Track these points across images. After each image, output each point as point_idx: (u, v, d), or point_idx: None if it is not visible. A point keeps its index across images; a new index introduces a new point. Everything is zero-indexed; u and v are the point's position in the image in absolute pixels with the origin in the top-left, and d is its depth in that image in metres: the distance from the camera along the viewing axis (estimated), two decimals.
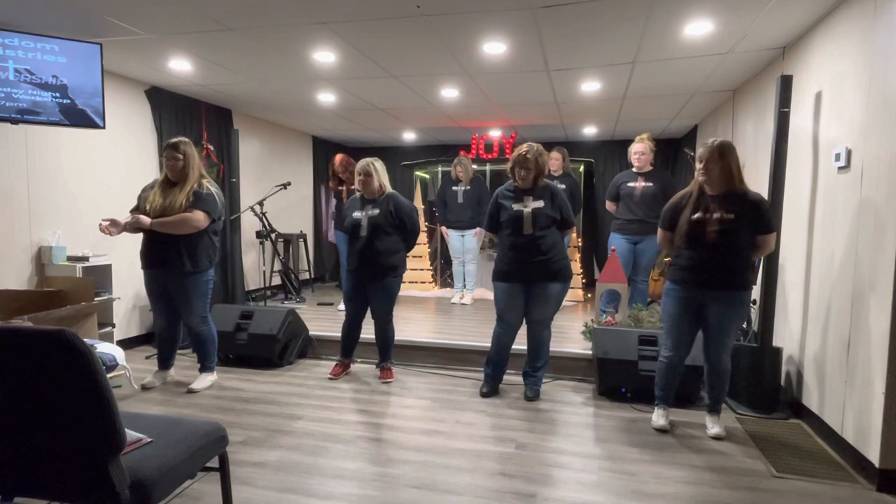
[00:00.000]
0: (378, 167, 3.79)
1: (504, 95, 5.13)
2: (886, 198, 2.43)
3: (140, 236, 3.53)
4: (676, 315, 2.93)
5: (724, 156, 2.74)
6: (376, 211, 3.72)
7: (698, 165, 2.81)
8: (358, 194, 3.87)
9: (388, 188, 3.84)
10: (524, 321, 3.52)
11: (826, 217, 3.01)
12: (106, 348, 2.96)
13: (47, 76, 3.44)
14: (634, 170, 4.83)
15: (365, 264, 3.74)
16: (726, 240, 2.74)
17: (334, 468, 2.58)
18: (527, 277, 3.40)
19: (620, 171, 5.25)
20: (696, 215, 2.79)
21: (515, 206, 3.41)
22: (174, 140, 3.45)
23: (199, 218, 3.41)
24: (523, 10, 3.11)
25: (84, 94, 3.59)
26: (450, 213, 6.03)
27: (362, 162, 3.79)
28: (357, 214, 3.76)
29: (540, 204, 3.38)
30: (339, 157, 5.85)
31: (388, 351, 3.96)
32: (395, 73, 4.43)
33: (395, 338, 4.03)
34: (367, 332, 4.00)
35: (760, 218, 2.76)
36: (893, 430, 2.38)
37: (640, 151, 4.75)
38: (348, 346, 4.03)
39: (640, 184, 4.76)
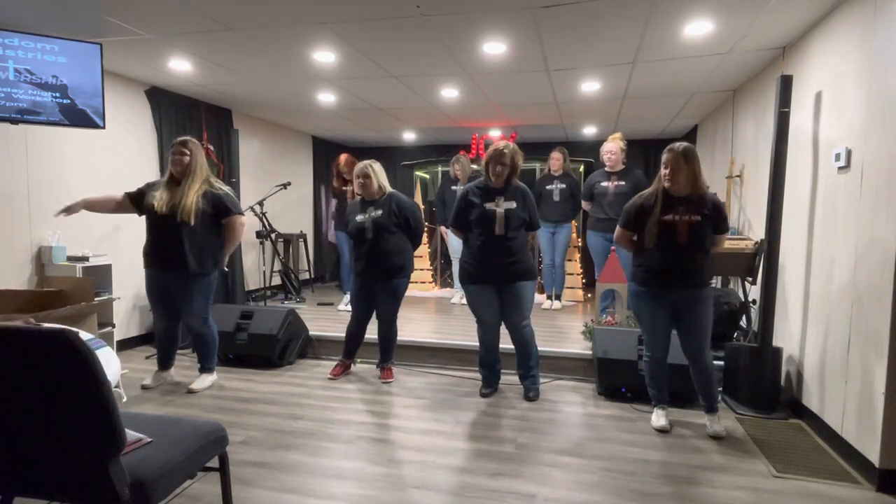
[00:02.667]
0: (376, 168, 3.79)
1: (504, 95, 5.13)
2: (886, 198, 2.43)
3: (141, 236, 3.53)
4: (651, 315, 3.00)
5: (689, 160, 2.82)
6: (379, 212, 3.71)
7: (664, 171, 2.86)
8: (358, 198, 3.86)
9: (388, 188, 3.84)
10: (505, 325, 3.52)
11: (826, 217, 3.01)
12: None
13: (47, 76, 3.44)
14: (607, 169, 4.92)
15: (372, 266, 3.74)
16: (695, 240, 2.83)
17: (334, 468, 2.58)
18: (496, 279, 3.38)
19: None
20: (667, 217, 2.85)
21: (487, 206, 3.37)
22: (183, 138, 3.48)
23: (241, 221, 3.57)
24: (523, 10, 3.11)
25: (84, 94, 3.59)
26: (449, 212, 6.02)
27: (360, 165, 3.79)
28: (360, 218, 3.74)
29: (512, 205, 3.36)
30: (343, 157, 5.83)
31: (389, 351, 3.96)
32: (395, 73, 4.43)
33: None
34: (369, 332, 4.00)
35: (720, 218, 2.90)
36: (893, 430, 2.38)
37: (610, 151, 4.83)
38: (352, 347, 4.03)
39: (612, 183, 4.87)
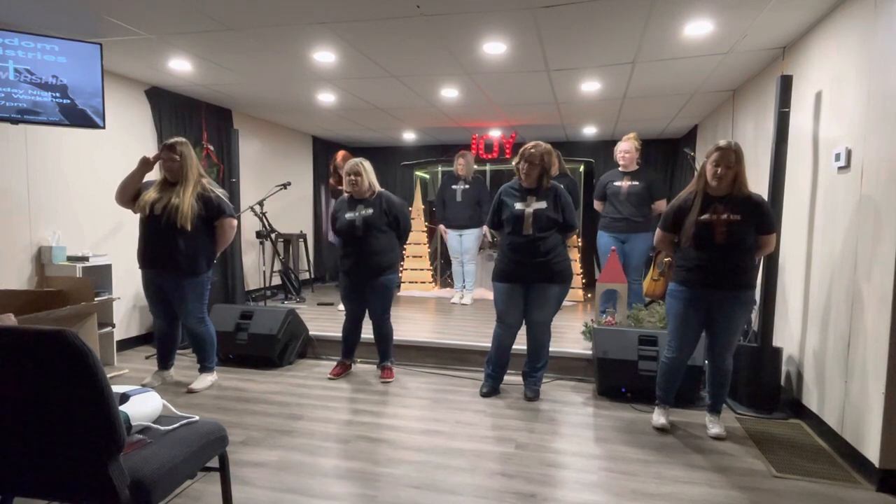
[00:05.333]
0: (367, 167, 3.79)
1: (504, 95, 5.13)
2: (886, 198, 2.43)
3: (136, 235, 3.53)
4: (684, 316, 2.92)
5: (740, 158, 2.77)
6: (370, 210, 3.71)
7: (714, 168, 2.77)
8: (346, 195, 3.84)
9: (378, 187, 3.83)
10: (524, 322, 3.52)
11: (826, 217, 3.01)
12: (139, 404, 1.83)
13: (47, 76, 3.44)
14: (620, 169, 4.88)
15: (361, 265, 3.73)
16: (734, 240, 2.76)
17: (334, 468, 2.58)
18: (526, 278, 3.38)
19: None
20: (704, 217, 2.80)
21: (518, 206, 3.39)
22: (171, 141, 3.45)
23: (232, 224, 3.56)
24: (523, 10, 3.11)
25: (84, 94, 3.59)
26: (448, 211, 6.02)
27: (351, 162, 3.78)
28: (350, 215, 3.73)
29: (542, 205, 3.36)
30: (341, 154, 5.82)
31: (387, 350, 3.96)
32: (395, 73, 4.43)
33: (396, 338, 4.03)
34: (367, 332, 4.00)
35: (764, 219, 2.80)
36: (893, 430, 2.38)
37: (625, 150, 4.79)
38: (349, 347, 4.03)
39: (626, 183, 4.82)
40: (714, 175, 2.77)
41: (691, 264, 2.86)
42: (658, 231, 3.06)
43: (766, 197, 3.34)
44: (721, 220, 2.76)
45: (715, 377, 2.98)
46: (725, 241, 2.76)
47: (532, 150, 3.35)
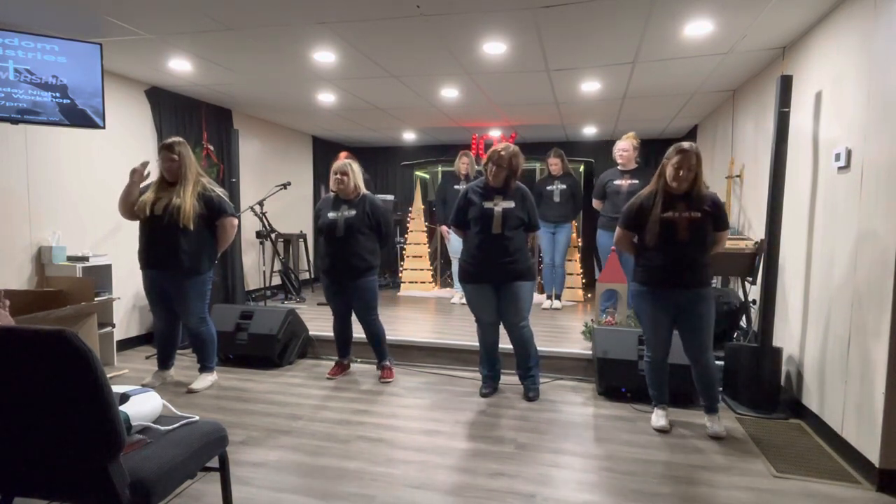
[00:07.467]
0: (355, 168, 3.79)
1: (504, 95, 5.13)
2: (886, 198, 2.43)
3: (136, 235, 3.53)
4: (653, 315, 2.99)
5: (700, 161, 2.87)
6: (353, 212, 3.70)
7: (674, 171, 2.84)
8: (331, 194, 3.84)
9: (363, 189, 3.83)
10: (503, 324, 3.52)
11: (826, 217, 3.01)
12: (138, 404, 1.82)
13: (47, 76, 3.44)
14: (619, 167, 4.92)
15: (339, 266, 3.72)
16: (696, 237, 2.85)
17: (334, 468, 2.58)
18: (494, 278, 3.40)
19: None
20: (667, 214, 2.87)
21: (486, 204, 3.40)
22: (169, 141, 3.46)
23: (233, 223, 3.58)
24: (523, 10, 3.11)
25: (84, 94, 3.59)
26: (450, 211, 6.00)
27: (339, 162, 3.78)
28: (332, 215, 3.73)
29: (511, 204, 3.38)
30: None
31: (382, 350, 3.96)
32: (395, 73, 4.43)
33: (395, 338, 4.03)
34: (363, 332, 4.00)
35: (720, 216, 2.92)
36: (893, 430, 2.38)
37: (623, 149, 4.84)
38: (342, 345, 4.03)
39: (626, 181, 4.86)
40: (675, 177, 2.85)
41: (653, 263, 2.92)
42: (618, 229, 3.10)
43: (766, 197, 3.36)
44: (683, 218, 2.85)
45: (701, 377, 3.01)
46: (688, 238, 2.84)
47: (501, 153, 3.37)
